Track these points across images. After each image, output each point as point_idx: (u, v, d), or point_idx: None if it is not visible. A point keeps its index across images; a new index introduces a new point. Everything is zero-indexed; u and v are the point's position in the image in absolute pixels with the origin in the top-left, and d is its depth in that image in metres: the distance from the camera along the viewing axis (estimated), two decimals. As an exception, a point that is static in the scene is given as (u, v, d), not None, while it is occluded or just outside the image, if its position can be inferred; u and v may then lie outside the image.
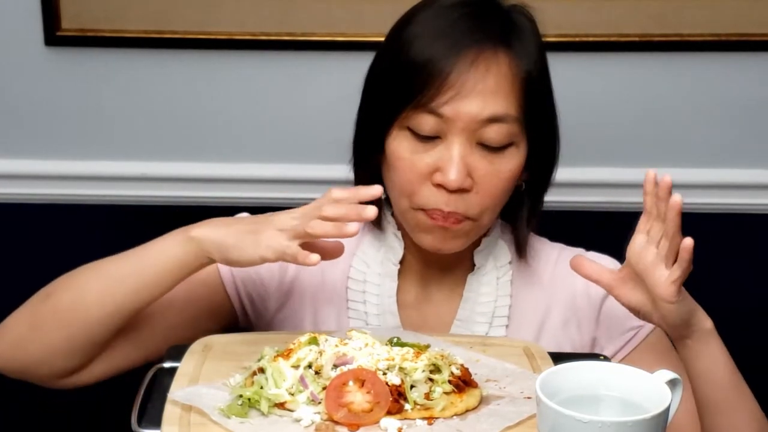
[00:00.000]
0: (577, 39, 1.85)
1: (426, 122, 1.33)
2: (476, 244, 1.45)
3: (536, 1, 1.82)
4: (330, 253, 1.33)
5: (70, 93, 1.91)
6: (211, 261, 1.33)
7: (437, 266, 1.46)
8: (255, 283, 1.47)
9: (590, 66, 1.87)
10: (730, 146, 1.91)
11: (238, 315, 1.50)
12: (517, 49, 1.35)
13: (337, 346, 1.19)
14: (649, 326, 1.44)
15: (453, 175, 1.32)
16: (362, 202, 1.29)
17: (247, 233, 1.29)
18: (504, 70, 1.33)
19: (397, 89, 1.34)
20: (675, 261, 1.24)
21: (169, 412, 1.15)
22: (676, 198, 1.23)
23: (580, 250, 1.48)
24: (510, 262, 1.47)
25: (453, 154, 1.32)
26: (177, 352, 1.30)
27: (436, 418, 1.15)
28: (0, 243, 2.00)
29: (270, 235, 1.27)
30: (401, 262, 1.45)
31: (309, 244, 1.28)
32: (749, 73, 1.88)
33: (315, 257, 1.25)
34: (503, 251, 1.47)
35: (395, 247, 1.45)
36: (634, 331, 1.45)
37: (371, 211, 1.27)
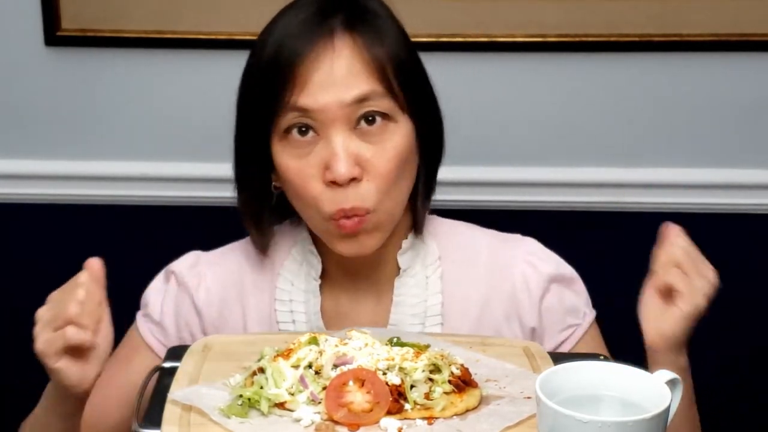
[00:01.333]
0: (577, 39, 1.85)
1: (297, 122, 1.32)
2: (398, 246, 1.43)
3: (537, 1, 1.83)
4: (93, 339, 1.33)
5: (70, 93, 1.91)
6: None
7: (361, 273, 1.43)
8: (183, 341, 1.44)
9: (590, 66, 1.87)
10: (730, 146, 1.91)
11: None
12: (368, 30, 1.33)
13: (337, 345, 1.19)
14: (587, 324, 1.45)
15: (341, 168, 1.30)
16: None
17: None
18: (358, 51, 1.32)
19: (263, 96, 1.33)
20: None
21: (169, 412, 1.15)
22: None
23: (514, 236, 1.48)
24: (439, 258, 1.45)
25: (335, 146, 1.31)
26: (177, 352, 1.30)
27: (436, 418, 1.15)
28: (0, 243, 2.00)
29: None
30: (324, 276, 1.44)
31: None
32: (749, 73, 1.88)
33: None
34: (430, 249, 1.45)
35: (313, 262, 1.43)
36: (573, 329, 1.45)
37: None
